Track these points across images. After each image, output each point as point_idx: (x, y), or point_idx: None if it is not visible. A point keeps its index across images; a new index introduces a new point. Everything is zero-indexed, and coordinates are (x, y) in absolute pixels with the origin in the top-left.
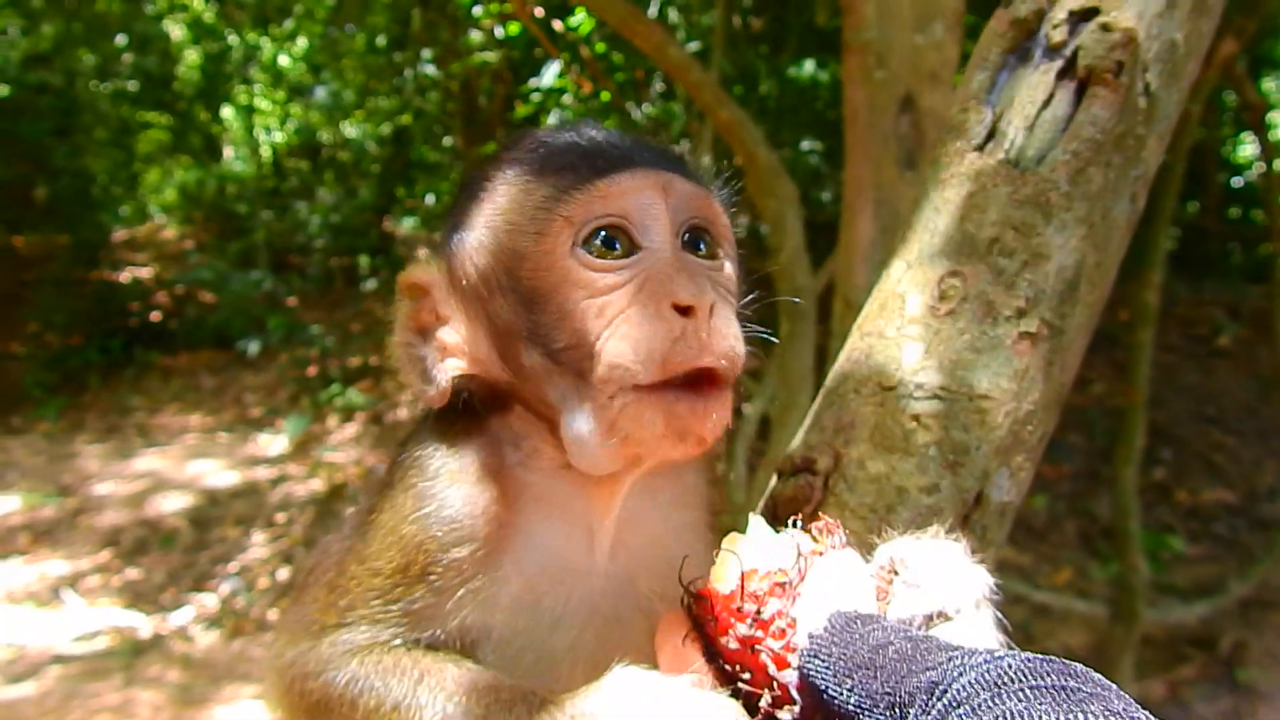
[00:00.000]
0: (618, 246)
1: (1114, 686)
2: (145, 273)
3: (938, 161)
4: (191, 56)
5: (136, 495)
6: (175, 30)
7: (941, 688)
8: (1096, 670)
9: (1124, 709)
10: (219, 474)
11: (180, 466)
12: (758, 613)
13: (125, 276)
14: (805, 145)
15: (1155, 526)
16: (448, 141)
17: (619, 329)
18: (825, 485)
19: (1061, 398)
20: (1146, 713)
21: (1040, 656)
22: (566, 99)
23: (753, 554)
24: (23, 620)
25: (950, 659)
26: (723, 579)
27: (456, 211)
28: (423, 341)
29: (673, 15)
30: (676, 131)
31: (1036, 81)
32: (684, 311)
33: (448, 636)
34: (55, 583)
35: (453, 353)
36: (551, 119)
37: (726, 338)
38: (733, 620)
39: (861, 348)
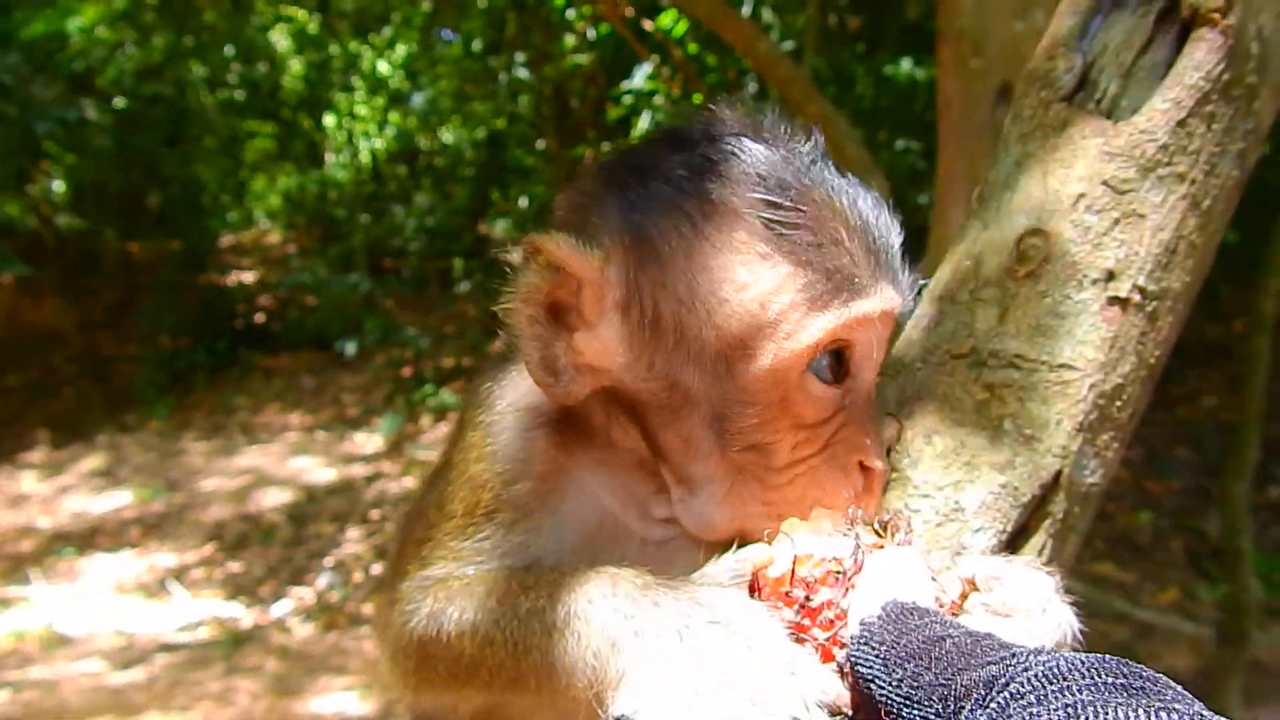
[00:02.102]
0: (836, 367)
1: (1194, 698)
2: (250, 277)
3: (1019, 114)
4: (295, 66)
5: (239, 491)
6: (280, 41)
7: (1002, 681)
8: (1203, 694)
9: (1210, 718)
10: (317, 471)
11: (280, 463)
12: (806, 599)
13: (231, 280)
14: (901, 145)
15: (1268, 547)
16: (541, 145)
17: (811, 472)
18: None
19: (1156, 373)
20: None
21: (1109, 656)
22: (657, 100)
23: (808, 540)
24: (132, 610)
25: (1013, 654)
26: (774, 562)
27: (656, 209)
28: (554, 326)
29: (767, 15)
30: None
31: (1134, 25)
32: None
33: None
34: (163, 574)
35: (592, 367)
36: (643, 121)
37: (882, 488)
38: (780, 604)
39: (931, 313)
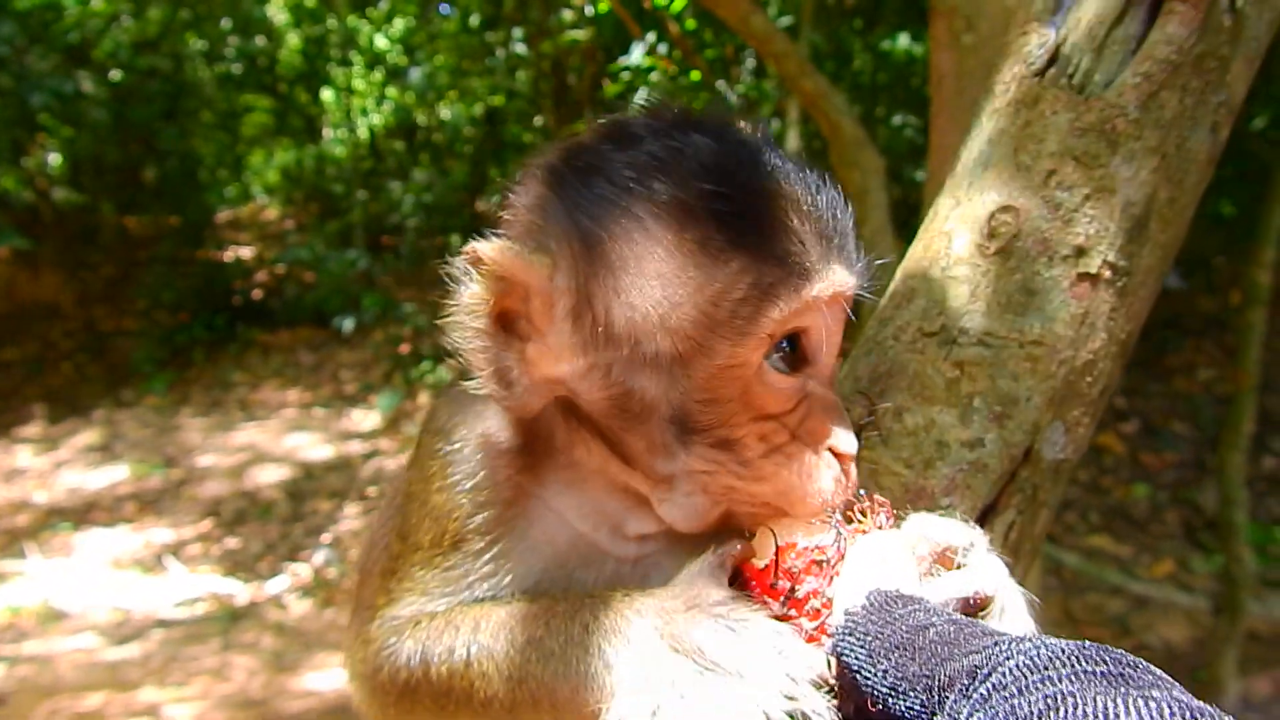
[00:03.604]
0: (793, 354)
1: (1173, 681)
2: (248, 252)
3: (992, 90)
4: (293, 40)
5: (237, 467)
6: (277, 14)
7: (985, 671)
8: (1199, 665)
9: (1187, 701)
10: (314, 448)
11: (278, 440)
12: (792, 590)
13: (229, 256)
14: (898, 120)
15: (1264, 518)
16: (539, 121)
17: (785, 466)
18: (857, 439)
19: (1127, 348)
20: (1215, 708)
21: (1093, 644)
22: (655, 76)
23: (791, 530)
24: (129, 585)
25: (996, 643)
26: (759, 554)
27: (602, 213)
28: (503, 336)
29: None
30: (769, 110)
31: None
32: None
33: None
34: (159, 550)
35: (546, 377)
36: (640, 96)
37: (855, 479)
38: (766, 598)
39: (903, 290)
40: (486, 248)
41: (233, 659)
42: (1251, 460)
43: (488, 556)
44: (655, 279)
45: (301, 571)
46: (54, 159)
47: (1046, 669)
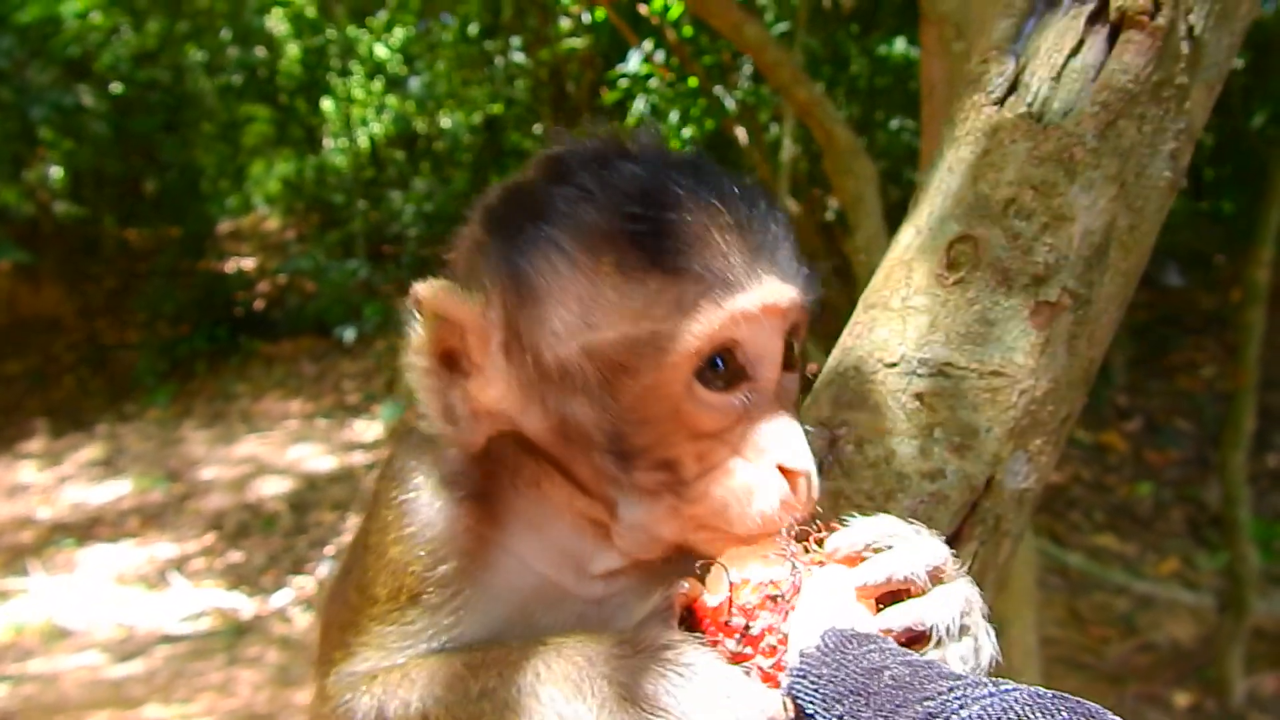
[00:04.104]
0: (726, 370)
1: None
2: (249, 263)
3: (953, 119)
4: (293, 50)
5: (239, 480)
6: (277, 25)
7: None
8: (1205, 663)
9: None
10: (317, 459)
11: (281, 452)
12: (746, 628)
13: (230, 267)
14: (895, 124)
15: (1267, 514)
16: (538, 129)
17: (722, 484)
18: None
19: (1090, 375)
20: None
21: (1052, 693)
22: (653, 83)
23: (744, 565)
24: (133, 601)
25: (951, 689)
26: (713, 590)
27: (528, 247)
28: (448, 374)
29: None
30: (766, 116)
31: (1065, 27)
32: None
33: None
34: (163, 565)
35: (489, 412)
36: (638, 105)
37: (816, 491)
38: (721, 635)
39: (864, 321)
40: (425, 289)
41: (238, 674)
42: (1254, 457)
43: (447, 609)
44: (575, 305)
45: (306, 584)
46: (55, 172)
47: None
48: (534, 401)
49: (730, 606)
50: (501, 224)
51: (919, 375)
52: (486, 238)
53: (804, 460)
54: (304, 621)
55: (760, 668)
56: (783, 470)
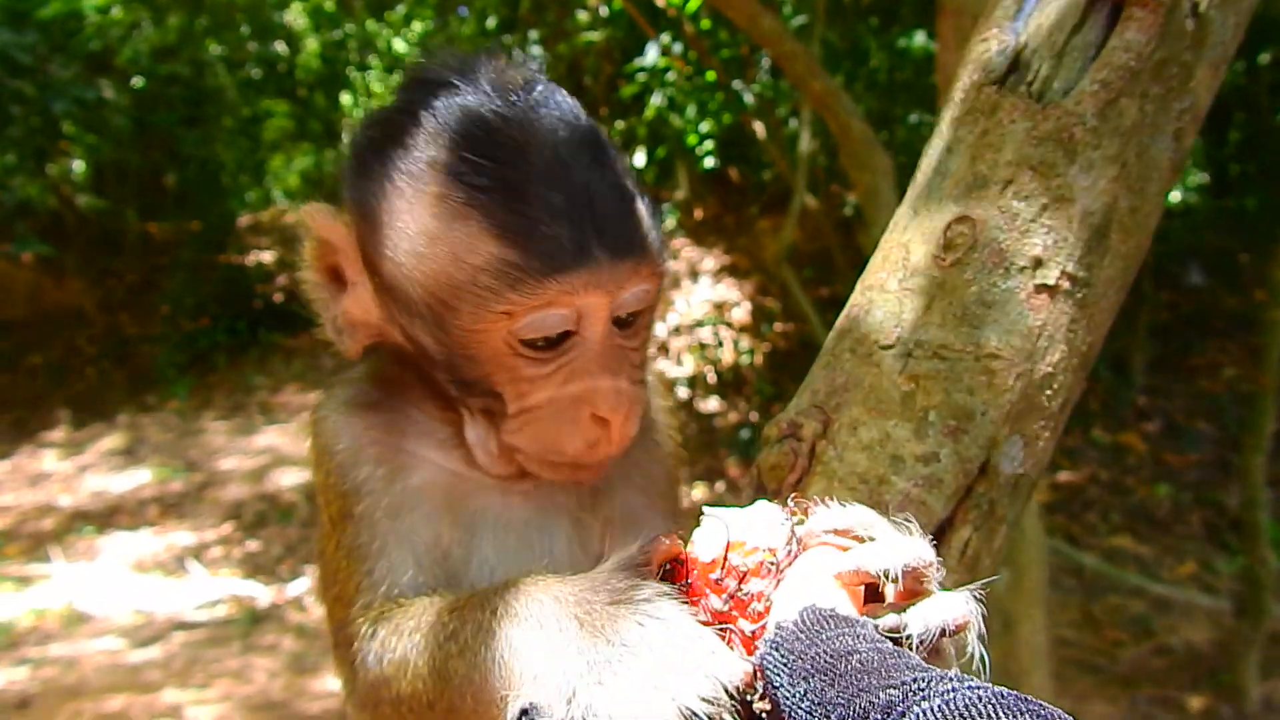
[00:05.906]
0: (554, 334)
1: None
2: (269, 256)
3: (952, 98)
4: (311, 45)
5: (257, 470)
6: (296, 19)
7: (900, 709)
8: (1221, 668)
9: None
10: None
11: (298, 443)
12: (737, 588)
13: (251, 260)
14: (914, 119)
15: None
16: None
17: (537, 421)
18: (811, 453)
19: (1089, 360)
20: None
21: (1017, 694)
22: (671, 77)
23: (743, 527)
24: (151, 588)
25: (915, 679)
26: (704, 545)
27: (373, 171)
28: (332, 288)
29: None
30: (785, 110)
31: (1067, 5)
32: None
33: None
34: (181, 553)
35: (361, 325)
36: (655, 99)
37: (628, 433)
38: (708, 591)
39: (861, 303)
40: (306, 211)
41: (254, 661)
42: (1274, 460)
43: (381, 514)
44: (408, 234)
45: None
46: (77, 166)
47: (961, 716)
48: (391, 318)
49: (724, 565)
50: (358, 149)
51: (915, 357)
52: (350, 163)
53: (613, 407)
54: (319, 610)
55: (742, 631)
56: (594, 416)
